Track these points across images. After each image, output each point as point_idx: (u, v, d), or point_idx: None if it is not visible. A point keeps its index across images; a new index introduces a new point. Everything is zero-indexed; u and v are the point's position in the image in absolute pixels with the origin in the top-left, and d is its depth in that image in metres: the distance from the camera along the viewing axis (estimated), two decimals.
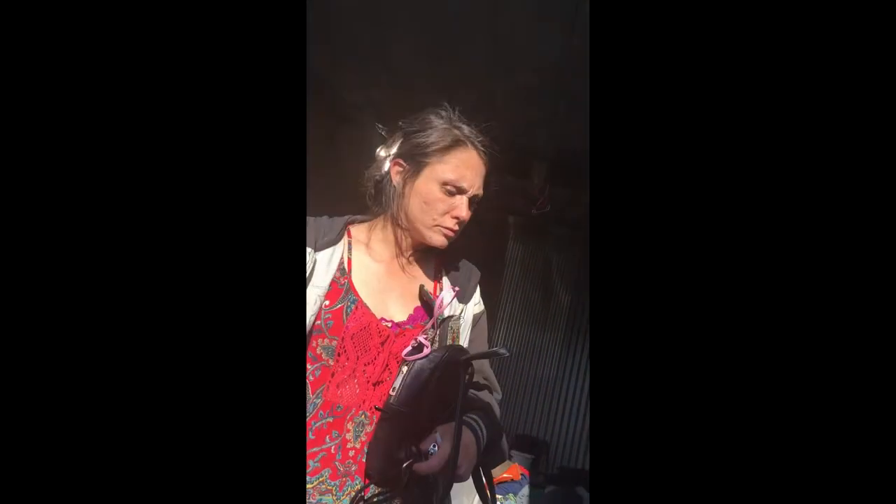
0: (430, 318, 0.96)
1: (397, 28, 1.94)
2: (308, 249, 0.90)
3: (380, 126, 1.06)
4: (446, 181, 0.94)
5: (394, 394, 0.83)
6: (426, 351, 0.87)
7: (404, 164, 0.97)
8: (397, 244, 1.01)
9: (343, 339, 0.88)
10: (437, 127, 0.97)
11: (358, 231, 1.02)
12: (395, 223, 0.99)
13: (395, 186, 0.98)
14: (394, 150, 0.99)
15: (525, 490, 2.75)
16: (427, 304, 0.97)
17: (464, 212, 0.95)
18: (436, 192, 0.95)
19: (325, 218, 0.99)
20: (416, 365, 0.84)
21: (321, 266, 0.92)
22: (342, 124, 2.66)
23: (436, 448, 0.80)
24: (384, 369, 0.91)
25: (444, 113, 0.99)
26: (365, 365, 0.90)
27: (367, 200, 1.03)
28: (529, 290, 4.24)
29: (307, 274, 0.89)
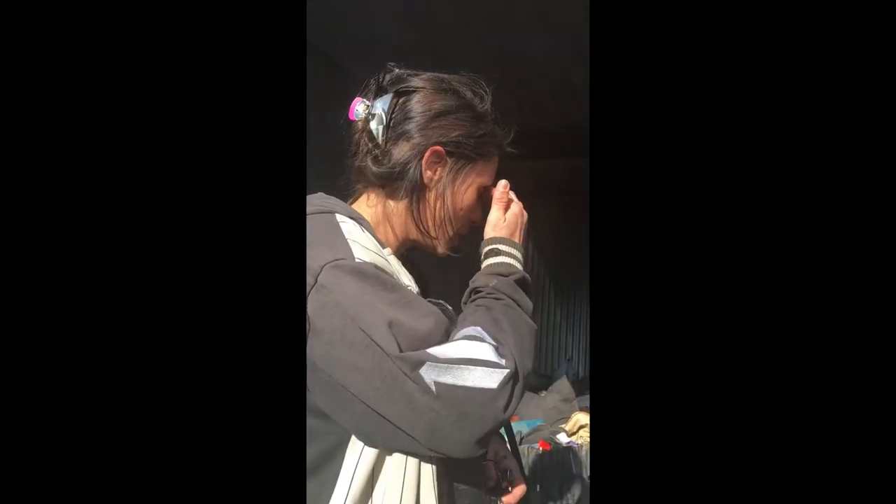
0: None
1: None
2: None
3: (393, 65, 0.76)
4: (486, 186, 0.77)
5: None
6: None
7: (446, 157, 0.73)
8: (395, 236, 0.77)
9: None
10: (485, 116, 0.75)
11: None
12: (407, 217, 0.75)
13: (424, 181, 0.73)
14: (412, 124, 0.72)
15: None
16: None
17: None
18: (473, 197, 0.76)
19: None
20: None
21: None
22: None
23: (510, 475, 0.79)
24: None
25: (481, 92, 0.76)
26: None
27: (351, 169, 0.77)
28: None
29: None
